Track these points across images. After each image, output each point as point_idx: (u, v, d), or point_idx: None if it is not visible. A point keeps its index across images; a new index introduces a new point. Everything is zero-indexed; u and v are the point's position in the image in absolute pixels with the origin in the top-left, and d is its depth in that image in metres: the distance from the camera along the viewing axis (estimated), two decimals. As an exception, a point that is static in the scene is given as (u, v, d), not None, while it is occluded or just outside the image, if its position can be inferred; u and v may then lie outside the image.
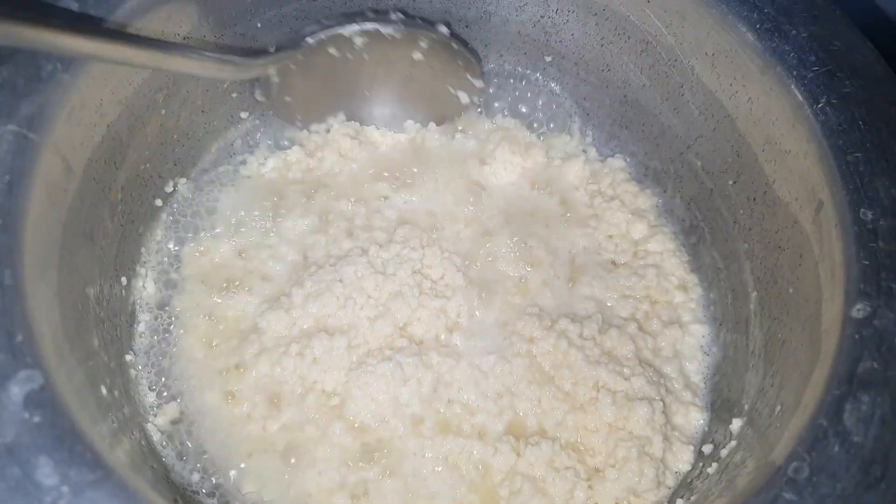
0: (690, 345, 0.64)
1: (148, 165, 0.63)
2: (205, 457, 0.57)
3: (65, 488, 0.38)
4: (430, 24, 0.69)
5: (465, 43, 0.72)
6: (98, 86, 0.53)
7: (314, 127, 0.72)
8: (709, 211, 0.66)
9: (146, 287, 0.63)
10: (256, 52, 0.64)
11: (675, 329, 0.64)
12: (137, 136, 0.60)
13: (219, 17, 0.63)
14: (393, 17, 0.67)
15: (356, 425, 0.58)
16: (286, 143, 0.72)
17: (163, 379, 0.60)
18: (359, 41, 0.66)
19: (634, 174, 0.72)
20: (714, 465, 0.53)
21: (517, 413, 0.59)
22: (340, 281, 0.62)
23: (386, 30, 0.66)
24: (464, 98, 0.72)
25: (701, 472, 0.55)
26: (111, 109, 0.55)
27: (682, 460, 0.57)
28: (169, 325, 0.62)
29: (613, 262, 0.68)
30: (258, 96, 0.69)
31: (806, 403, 0.44)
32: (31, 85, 0.48)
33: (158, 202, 0.66)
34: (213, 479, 0.56)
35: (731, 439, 0.54)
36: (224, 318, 0.62)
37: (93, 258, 0.55)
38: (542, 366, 0.60)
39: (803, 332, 0.50)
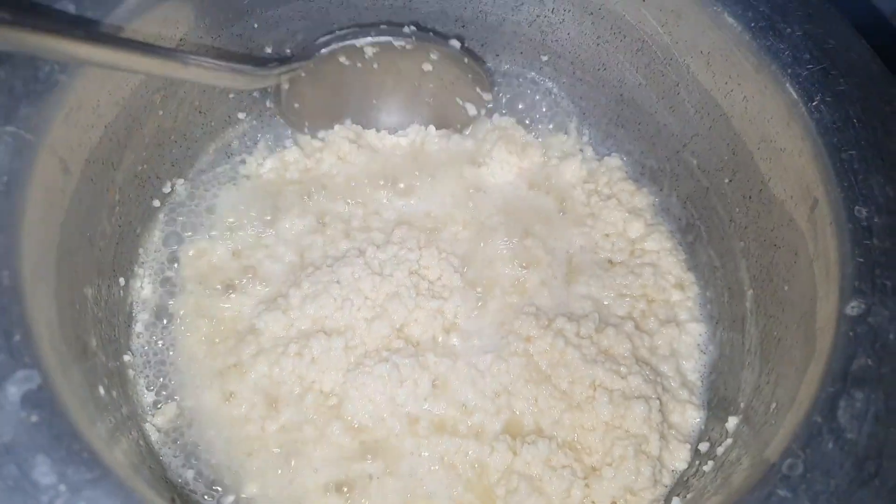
0: (687, 343, 0.64)
1: (145, 166, 0.63)
2: (203, 456, 0.57)
3: (62, 487, 0.38)
4: (442, 37, 0.70)
5: (475, 56, 0.72)
6: (95, 87, 0.53)
7: (321, 133, 0.72)
8: (705, 209, 0.66)
9: (144, 287, 0.63)
10: (269, 62, 0.64)
11: (671, 327, 0.64)
12: (135, 137, 0.60)
13: (216, 17, 0.63)
14: (406, 30, 0.68)
15: (354, 425, 0.58)
16: (284, 143, 0.72)
17: (161, 379, 0.60)
18: (370, 51, 0.67)
19: (631, 173, 0.73)
20: (710, 462, 0.53)
21: (514, 412, 0.59)
22: (338, 282, 0.62)
23: (398, 42, 0.67)
24: (471, 110, 0.73)
25: (697, 470, 0.55)
26: (108, 111, 0.56)
27: (679, 458, 0.57)
28: (167, 325, 0.62)
29: (610, 261, 0.68)
30: (268, 103, 0.69)
31: (801, 400, 0.44)
32: (29, 86, 0.48)
33: (156, 203, 0.66)
34: (210, 478, 0.56)
35: (727, 437, 0.54)
36: (222, 318, 0.63)
37: (91, 259, 0.56)
38: (538, 365, 0.60)
39: (798, 330, 0.51)
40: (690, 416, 0.60)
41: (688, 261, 0.68)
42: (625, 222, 0.69)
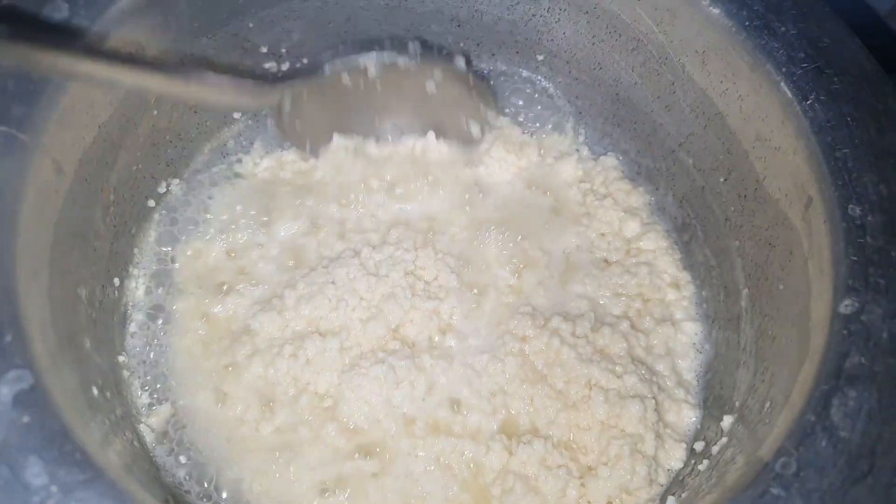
0: (683, 342, 0.64)
1: (140, 166, 0.63)
2: (197, 458, 0.57)
3: (54, 488, 0.38)
4: (447, 55, 0.69)
5: (481, 76, 0.72)
6: (89, 87, 0.53)
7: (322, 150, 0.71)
8: (700, 208, 0.66)
9: (138, 288, 0.63)
10: (271, 80, 0.64)
11: (667, 327, 0.64)
12: (129, 136, 0.60)
13: (210, 17, 0.63)
14: (411, 47, 0.67)
15: (350, 427, 0.58)
16: (280, 143, 0.72)
17: (155, 380, 0.60)
18: (373, 70, 0.66)
19: (627, 172, 0.72)
20: (705, 461, 0.53)
21: (510, 412, 0.59)
22: (333, 283, 0.62)
23: (402, 61, 0.66)
24: (475, 131, 0.71)
25: (693, 469, 0.55)
26: (102, 110, 0.56)
27: (675, 458, 0.57)
28: (161, 325, 0.62)
29: (606, 261, 0.68)
30: (269, 121, 0.69)
31: (794, 399, 0.44)
32: (22, 86, 0.48)
33: (151, 203, 0.66)
34: (205, 480, 0.56)
35: (722, 436, 0.54)
36: (217, 319, 0.63)
37: (85, 259, 0.56)
38: (534, 364, 0.60)
39: (793, 329, 0.50)
40: (686, 416, 0.60)
41: (683, 260, 0.68)
42: (621, 221, 0.69)
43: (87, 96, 0.53)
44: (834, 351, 0.43)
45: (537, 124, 0.75)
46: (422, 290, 0.63)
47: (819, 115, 0.51)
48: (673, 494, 0.54)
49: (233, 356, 0.60)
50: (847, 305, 0.44)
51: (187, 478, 0.56)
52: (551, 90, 0.74)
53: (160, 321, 0.62)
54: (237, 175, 0.70)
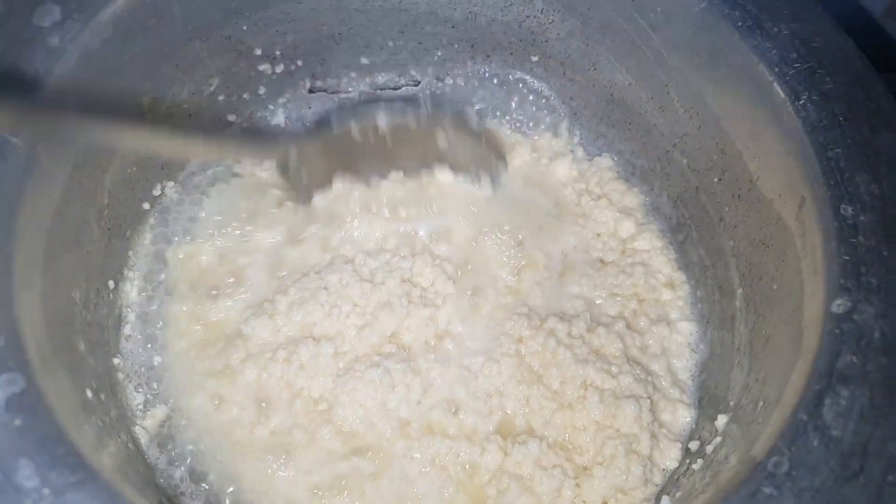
0: (678, 342, 0.64)
1: (135, 169, 0.63)
2: (192, 460, 0.57)
3: (45, 490, 0.38)
4: (457, 108, 0.69)
5: (490, 130, 0.72)
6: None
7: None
8: (695, 208, 0.66)
9: (133, 291, 0.63)
10: (280, 136, 0.64)
11: (662, 327, 0.64)
12: (123, 139, 0.60)
13: (205, 19, 0.63)
14: (421, 100, 0.67)
15: (345, 430, 0.58)
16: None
17: (150, 382, 0.60)
18: (383, 124, 0.65)
19: (622, 173, 0.72)
20: (700, 461, 0.53)
21: (506, 413, 0.59)
22: (325, 289, 0.62)
23: (413, 116, 0.65)
24: (486, 182, 0.69)
25: (687, 469, 0.55)
26: (96, 113, 0.56)
27: (670, 457, 0.57)
28: (157, 328, 0.62)
29: (601, 261, 0.68)
30: (276, 172, 0.68)
31: (787, 398, 0.44)
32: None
33: (146, 206, 0.66)
34: (200, 482, 0.56)
35: (716, 435, 0.54)
36: (211, 322, 0.62)
37: (79, 262, 0.56)
38: (530, 365, 0.60)
39: (786, 328, 0.51)
40: (681, 415, 0.60)
41: (678, 260, 0.68)
42: (616, 222, 0.69)
43: (80, 99, 0.53)
44: (826, 350, 0.43)
45: (532, 125, 0.75)
46: (418, 296, 0.63)
47: (812, 116, 0.51)
48: (668, 494, 0.54)
49: (227, 359, 0.60)
50: (839, 305, 0.44)
51: (182, 479, 0.56)
52: (546, 91, 0.74)
53: (155, 324, 0.62)
54: (232, 178, 0.69)
